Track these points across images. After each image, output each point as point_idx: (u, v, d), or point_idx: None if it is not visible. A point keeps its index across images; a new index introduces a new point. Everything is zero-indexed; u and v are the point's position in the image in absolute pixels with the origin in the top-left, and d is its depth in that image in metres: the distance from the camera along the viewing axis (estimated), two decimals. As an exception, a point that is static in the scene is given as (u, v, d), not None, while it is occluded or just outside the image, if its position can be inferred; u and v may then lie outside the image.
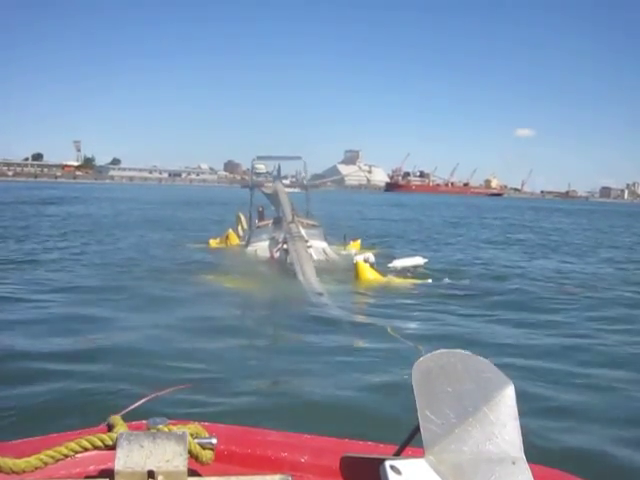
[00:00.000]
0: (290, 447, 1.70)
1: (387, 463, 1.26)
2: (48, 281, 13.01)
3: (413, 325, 10.00)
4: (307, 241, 16.12)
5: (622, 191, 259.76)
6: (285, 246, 15.77)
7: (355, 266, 14.48)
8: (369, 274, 14.43)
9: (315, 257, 15.74)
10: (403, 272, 16.00)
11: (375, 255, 16.59)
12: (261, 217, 20.02)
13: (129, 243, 21.55)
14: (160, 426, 1.47)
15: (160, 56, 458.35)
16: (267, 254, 16.85)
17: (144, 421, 1.52)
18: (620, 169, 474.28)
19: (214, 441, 1.53)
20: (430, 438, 1.25)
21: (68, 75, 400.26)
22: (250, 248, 18.09)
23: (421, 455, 1.26)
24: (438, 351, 1.33)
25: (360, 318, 10.37)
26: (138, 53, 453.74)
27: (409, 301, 12.13)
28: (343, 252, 18.46)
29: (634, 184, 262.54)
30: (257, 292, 12.72)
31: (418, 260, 17.61)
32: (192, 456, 1.46)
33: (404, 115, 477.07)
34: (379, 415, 5.72)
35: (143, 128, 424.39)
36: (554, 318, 10.82)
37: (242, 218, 22.40)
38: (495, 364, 1.31)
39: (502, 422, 1.25)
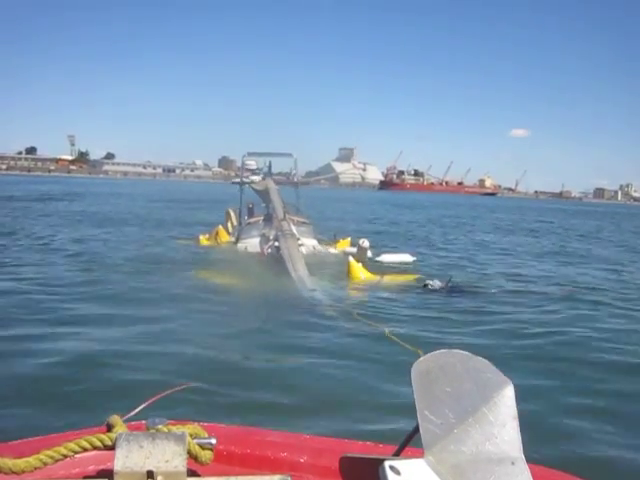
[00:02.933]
0: (289, 447, 1.70)
1: (386, 463, 1.26)
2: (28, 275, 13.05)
3: (406, 325, 9.98)
4: (298, 238, 16.06)
5: (616, 192, 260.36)
6: (276, 243, 15.68)
7: (347, 265, 14.47)
8: (361, 273, 14.43)
9: (305, 254, 15.67)
10: (389, 267, 16.12)
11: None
12: (251, 213, 19.93)
13: (117, 238, 21.43)
14: (159, 426, 1.47)
15: (155, 52, 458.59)
16: (257, 250, 16.73)
17: (143, 421, 1.52)
18: (614, 170, 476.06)
19: (213, 441, 1.52)
20: (429, 438, 1.26)
21: (62, 70, 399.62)
22: (240, 244, 17.99)
23: (420, 455, 1.26)
24: (437, 351, 1.33)
25: (355, 316, 10.34)
26: (132, 49, 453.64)
27: (402, 301, 12.12)
28: (332, 250, 18.44)
29: (628, 185, 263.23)
30: (248, 288, 12.58)
31: (406, 257, 17.69)
32: (191, 456, 1.46)
33: (399, 113, 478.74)
34: (378, 415, 5.72)
35: (138, 123, 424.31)
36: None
37: (232, 214, 22.22)
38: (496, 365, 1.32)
39: (501, 422, 1.25)
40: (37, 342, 7.98)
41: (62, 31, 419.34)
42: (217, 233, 20.44)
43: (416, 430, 1.28)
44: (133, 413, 1.78)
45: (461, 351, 1.34)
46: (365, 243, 16.65)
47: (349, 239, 20.22)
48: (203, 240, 20.45)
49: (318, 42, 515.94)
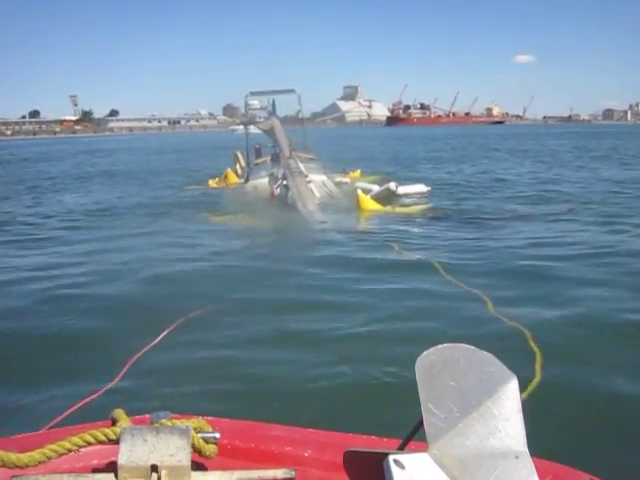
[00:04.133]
0: (293, 441, 1.69)
1: (391, 457, 1.26)
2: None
3: (418, 243, 10.42)
4: (306, 176, 16.04)
5: (625, 112, 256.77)
6: (285, 182, 15.71)
7: (357, 197, 14.54)
8: (370, 205, 14.52)
9: (316, 191, 15.74)
10: (406, 198, 16.39)
11: (377, 182, 16.77)
12: (259, 154, 19.89)
13: (131, 188, 21.64)
14: (163, 420, 1.47)
15: (153, 5, 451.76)
16: (267, 190, 16.74)
17: (147, 415, 1.52)
18: (623, 91, 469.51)
19: (217, 435, 1.52)
20: (433, 432, 1.25)
21: (60, 30, 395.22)
22: (249, 185, 18.06)
23: (424, 449, 1.26)
24: (441, 345, 1.32)
25: (366, 241, 10.72)
26: (130, 4, 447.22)
27: (412, 226, 12.41)
28: (343, 181, 18.41)
29: (637, 105, 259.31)
30: (261, 227, 12.85)
31: (421, 187, 17.78)
32: (195, 450, 1.46)
33: (401, 48, 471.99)
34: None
35: (139, 78, 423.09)
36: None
37: (240, 156, 22.18)
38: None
39: (505, 416, 1.23)
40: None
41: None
42: (226, 176, 20.50)
43: (420, 424, 1.27)
44: (157, 340, 1.78)
45: (465, 345, 1.33)
46: (393, 186, 16.61)
47: (359, 171, 20.15)
48: (213, 184, 20.49)
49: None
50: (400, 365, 4.78)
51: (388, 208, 14.58)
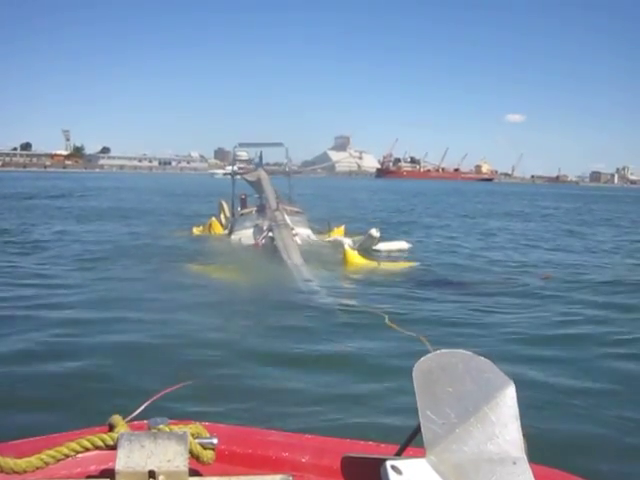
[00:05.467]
0: (291, 447, 1.70)
1: (388, 463, 1.26)
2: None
3: (409, 312, 9.91)
4: (292, 228, 15.91)
5: (612, 175, 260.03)
6: (270, 234, 15.52)
7: (343, 253, 14.37)
8: (357, 260, 14.33)
9: (300, 244, 15.55)
10: (387, 256, 16.06)
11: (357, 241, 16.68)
12: (244, 205, 19.53)
13: (110, 231, 21.30)
14: (161, 426, 1.47)
15: (147, 46, 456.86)
16: (251, 242, 16.46)
17: (145, 421, 1.52)
18: (610, 153, 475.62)
19: (215, 441, 1.53)
20: (431, 438, 1.26)
21: (56, 65, 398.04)
22: (234, 236, 17.70)
23: (422, 455, 1.26)
24: (439, 351, 1.33)
25: (354, 306, 10.23)
26: (125, 43, 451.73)
27: (401, 287, 12.03)
28: (327, 239, 18.35)
29: (624, 168, 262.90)
30: (244, 281, 12.42)
31: (402, 244, 17.67)
32: (193, 456, 1.46)
33: (394, 101, 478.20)
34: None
35: (133, 117, 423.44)
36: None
37: (225, 206, 22.02)
38: (497, 364, 1.32)
39: (503, 422, 1.25)
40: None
41: (56, 28, 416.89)
42: (210, 225, 20.29)
43: (418, 430, 1.28)
44: (135, 413, 1.78)
45: (463, 351, 1.34)
46: (375, 232, 16.52)
47: (343, 227, 20.16)
48: (196, 232, 20.35)
49: (313, 32, 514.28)
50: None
51: (374, 263, 14.38)
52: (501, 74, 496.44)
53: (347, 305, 10.26)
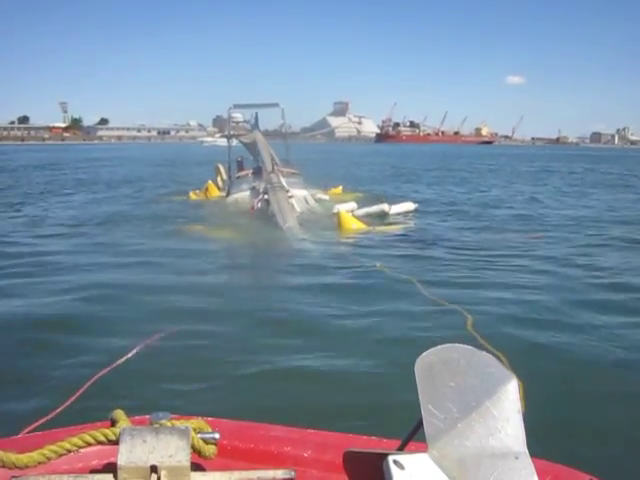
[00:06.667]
0: (293, 442, 1.70)
1: (390, 458, 1.26)
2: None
3: (400, 263, 10.18)
4: (288, 190, 16.01)
5: (612, 136, 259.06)
6: (266, 196, 15.63)
7: (338, 216, 14.46)
8: (352, 223, 14.41)
9: (297, 206, 15.71)
10: (394, 218, 16.31)
11: (359, 200, 16.72)
12: (240, 167, 19.74)
13: (112, 198, 21.53)
14: (163, 421, 1.47)
15: (144, 15, 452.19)
16: (248, 204, 16.61)
17: (147, 416, 1.52)
18: (611, 114, 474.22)
19: (217, 436, 1.53)
20: (433, 433, 1.25)
21: (52, 36, 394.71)
22: (231, 198, 17.97)
23: (424, 450, 1.26)
24: (440, 346, 1.33)
25: (345, 260, 10.53)
26: (122, 13, 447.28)
27: (394, 246, 12.24)
28: (324, 197, 18.36)
29: (624, 129, 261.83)
30: (240, 241, 12.78)
31: (409, 205, 17.79)
32: (195, 451, 1.46)
33: (393, 65, 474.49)
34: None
35: (130, 87, 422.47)
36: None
37: (221, 169, 22.04)
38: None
39: (505, 417, 1.24)
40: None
41: (52, 3, 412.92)
42: (207, 188, 20.35)
43: (420, 425, 1.28)
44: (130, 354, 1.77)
45: (465, 345, 1.33)
46: (387, 208, 16.52)
47: (340, 187, 20.09)
48: (193, 196, 20.36)
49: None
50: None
51: (369, 227, 14.46)
52: (500, 36, 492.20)
53: (339, 260, 10.56)
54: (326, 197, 18.59)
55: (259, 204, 15.87)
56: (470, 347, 1.33)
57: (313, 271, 9.62)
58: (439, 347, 1.33)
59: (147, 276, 9.13)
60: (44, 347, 6.04)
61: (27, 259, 10.35)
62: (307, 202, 17.12)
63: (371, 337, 6.38)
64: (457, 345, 1.33)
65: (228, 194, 18.50)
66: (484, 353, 1.33)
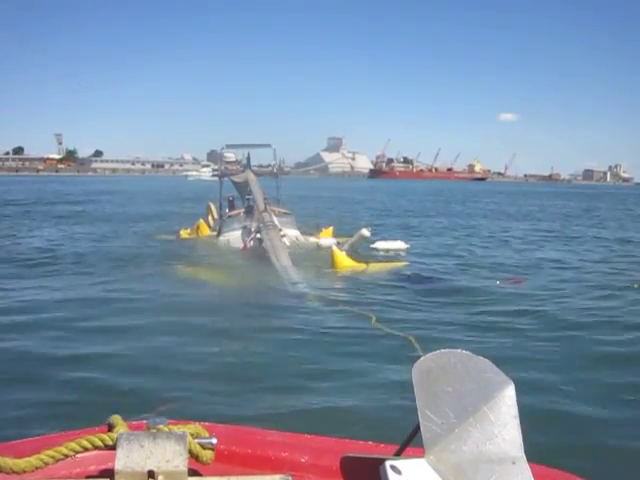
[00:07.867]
0: (290, 447, 1.70)
1: (387, 463, 1.26)
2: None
3: (397, 314, 9.83)
4: (280, 230, 15.88)
5: (605, 173, 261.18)
6: (258, 235, 15.51)
7: (331, 254, 14.25)
8: (345, 261, 14.21)
9: (289, 245, 15.53)
10: (384, 255, 16.16)
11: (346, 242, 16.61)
12: (232, 206, 19.52)
13: (98, 234, 21.22)
14: (160, 426, 1.47)
15: (142, 48, 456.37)
16: (240, 243, 16.45)
17: (144, 421, 1.52)
18: (603, 152, 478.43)
19: (214, 441, 1.53)
20: (430, 438, 1.26)
21: (48, 69, 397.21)
22: (222, 238, 17.70)
23: (421, 455, 1.27)
24: (438, 351, 1.33)
25: (341, 307, 10.16)
26: (119, 46, 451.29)
27: (388, 289, 11.94)
28: (315, 240, 18.29)
29: (617, 166, 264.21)
30: (233, 283, 12.49)
31: (400, 244, 17.67)
32: (192, 456, 1.46)
33: (387, 101, 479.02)
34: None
35: (125, 120, 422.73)
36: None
37: (212, 208, 21.90)
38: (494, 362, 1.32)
39: (502, 422, 1.25)
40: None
41: (49, 31, 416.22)
42: (198, 227, 20.15)
43: (417, 430, 1.28)
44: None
45: (462, 351, 1.34)
46: (366, 232, 16.36)
47: (331, 228, 20.14)
48: (184, 234, 20.19)
49: (305, 34, 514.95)
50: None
51: (363, 265, 14.24)
52: (493, 73, 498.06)
53: (335, 307, 10.22)
54: (319, 241, 18.51)
55: (252, 242, 15.78)
56: (467, 352, 1.34)
57: (306, 321, 9.19)
58: (436, 352, 1.34)
59: (129, 325, 8.68)
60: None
61: None
62: (299, 242, 17.00)
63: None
64: (454, 350, 1.34)
65: (219, 234, 18.23)
66: (481, 358, 1.33)
